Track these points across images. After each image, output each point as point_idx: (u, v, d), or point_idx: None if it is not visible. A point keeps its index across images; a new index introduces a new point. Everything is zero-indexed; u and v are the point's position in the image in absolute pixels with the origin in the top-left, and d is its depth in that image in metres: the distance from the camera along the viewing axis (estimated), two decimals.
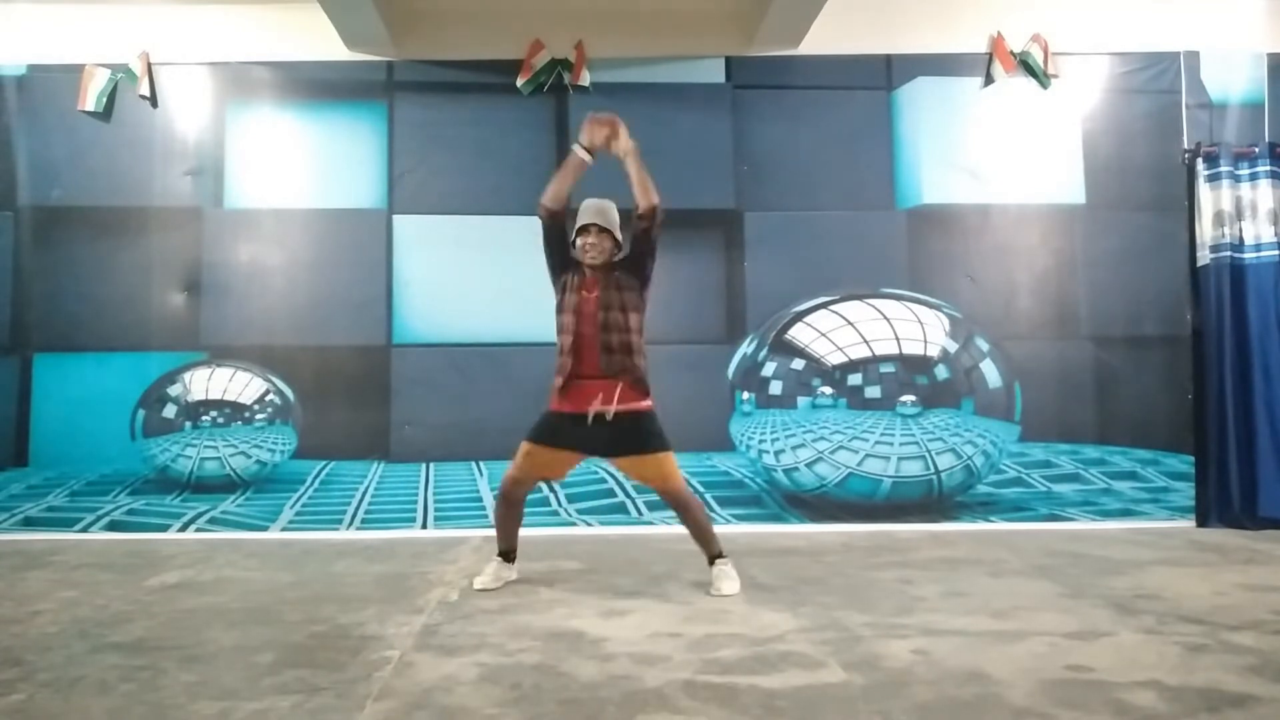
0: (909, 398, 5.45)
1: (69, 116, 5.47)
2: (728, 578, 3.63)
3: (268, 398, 5.47)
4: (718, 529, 5.25)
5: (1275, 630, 2.95)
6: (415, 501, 5.38)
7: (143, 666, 2.64)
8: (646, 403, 3.61)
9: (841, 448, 5.43)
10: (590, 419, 3.53)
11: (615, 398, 3.53)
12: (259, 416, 5.46)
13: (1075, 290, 5.62)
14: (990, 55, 5.63)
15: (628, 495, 5.36)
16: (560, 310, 3.69)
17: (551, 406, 3.66)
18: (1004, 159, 5.64)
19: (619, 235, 3.70)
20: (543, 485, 5.25)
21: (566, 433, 3.60)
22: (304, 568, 4.25)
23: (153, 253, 5.49)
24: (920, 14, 5.64)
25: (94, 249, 5.49)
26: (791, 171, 5.59)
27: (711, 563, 3.70)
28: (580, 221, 3.66)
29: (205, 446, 5.41)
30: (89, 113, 5.46)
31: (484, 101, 5.60)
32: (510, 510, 3.79)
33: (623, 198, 3.70)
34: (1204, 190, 5.47)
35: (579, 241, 3.66)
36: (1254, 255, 5.40)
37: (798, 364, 5.49)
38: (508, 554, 3.81)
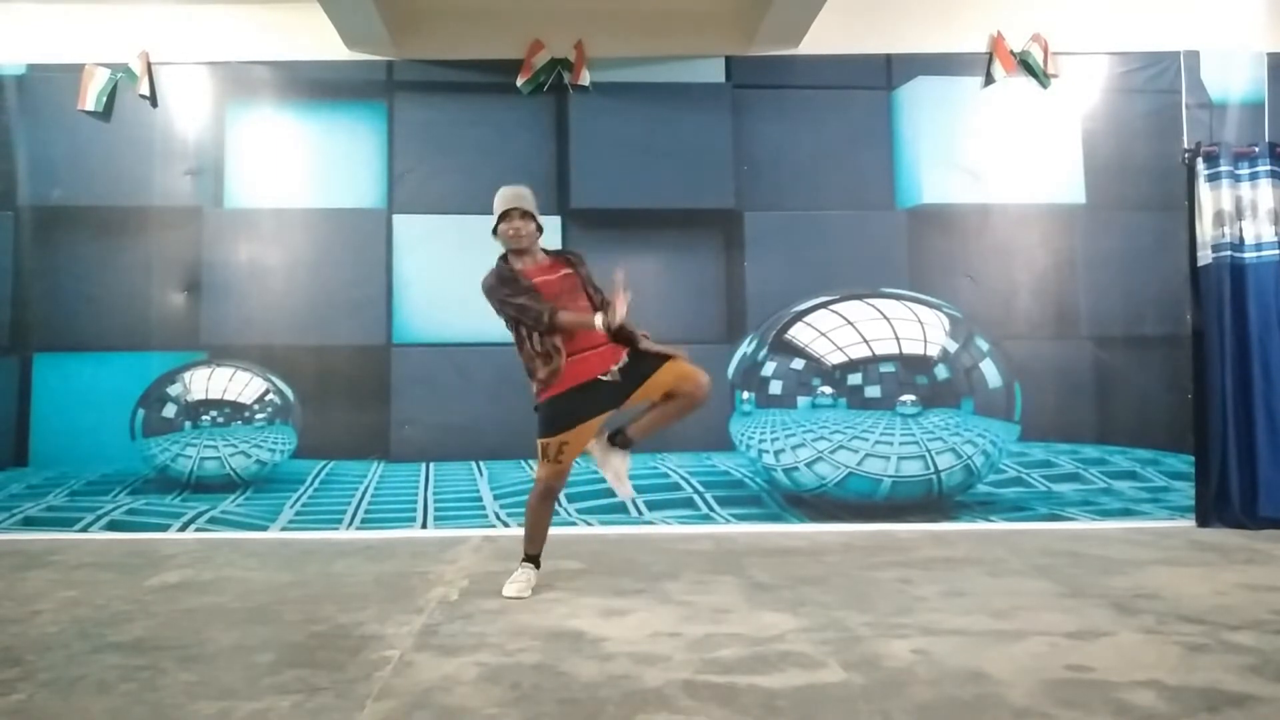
0: (909, 397, 5.45)
1: (69, 116, 5.46)
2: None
3: (268, 397, 5.47)
4: (716, 529, 5.35)
5: (1275, 630, 2.95)
6: (415, 501, 5.38)
7: (143, 666, 2.64)
8: (640, 336, 3.63)
9: (841, 447, 5.43)
10: (608, 376, 3.57)
11: (617, 358, 3.59)
12: (259, 416, 5.46)
13: (1075, 290, 5.61)
14: (990, 55, 5.63)
15: None
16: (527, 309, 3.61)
17: (552, 393, 3.55)
18: (1004, 159, 5.63)
19: (538, 218, 3.73)
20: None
21: (584, 403, 3.54)
22: (304, 567, 4.25)
23: (153, 253, 5.49)
24: (920, 14, 5.64)
25: (94, 249, 5.48)
26: (791, 171, 5.59)
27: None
28: (501, 208, 3.69)
29: (205, 446, 5.41)
30: (89, 113, 5.46)
31: (484, 101, 5.60)
32: (550, 508, 3.79)
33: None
34: (1204, 190, 5.46)
35: (502, 227, 3.68)
36: (1254, 255, 5.40)
37: (798, 364, 5.49)
38: (538, 557, 3.76)
